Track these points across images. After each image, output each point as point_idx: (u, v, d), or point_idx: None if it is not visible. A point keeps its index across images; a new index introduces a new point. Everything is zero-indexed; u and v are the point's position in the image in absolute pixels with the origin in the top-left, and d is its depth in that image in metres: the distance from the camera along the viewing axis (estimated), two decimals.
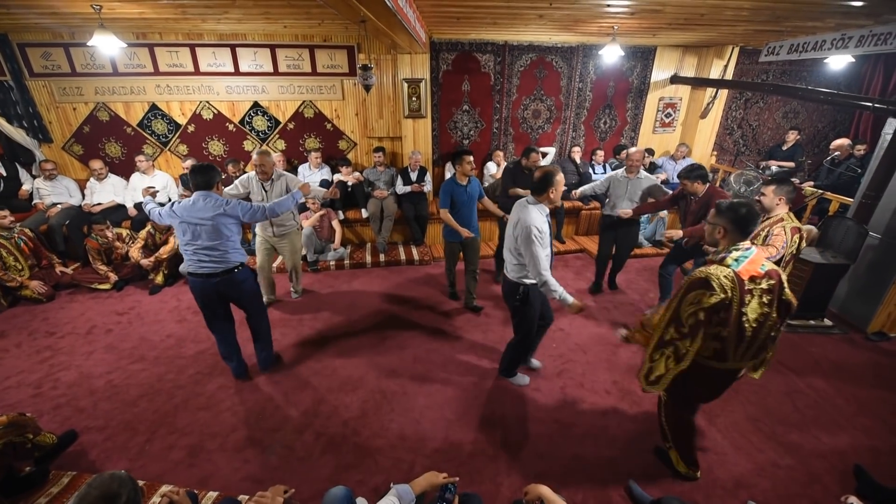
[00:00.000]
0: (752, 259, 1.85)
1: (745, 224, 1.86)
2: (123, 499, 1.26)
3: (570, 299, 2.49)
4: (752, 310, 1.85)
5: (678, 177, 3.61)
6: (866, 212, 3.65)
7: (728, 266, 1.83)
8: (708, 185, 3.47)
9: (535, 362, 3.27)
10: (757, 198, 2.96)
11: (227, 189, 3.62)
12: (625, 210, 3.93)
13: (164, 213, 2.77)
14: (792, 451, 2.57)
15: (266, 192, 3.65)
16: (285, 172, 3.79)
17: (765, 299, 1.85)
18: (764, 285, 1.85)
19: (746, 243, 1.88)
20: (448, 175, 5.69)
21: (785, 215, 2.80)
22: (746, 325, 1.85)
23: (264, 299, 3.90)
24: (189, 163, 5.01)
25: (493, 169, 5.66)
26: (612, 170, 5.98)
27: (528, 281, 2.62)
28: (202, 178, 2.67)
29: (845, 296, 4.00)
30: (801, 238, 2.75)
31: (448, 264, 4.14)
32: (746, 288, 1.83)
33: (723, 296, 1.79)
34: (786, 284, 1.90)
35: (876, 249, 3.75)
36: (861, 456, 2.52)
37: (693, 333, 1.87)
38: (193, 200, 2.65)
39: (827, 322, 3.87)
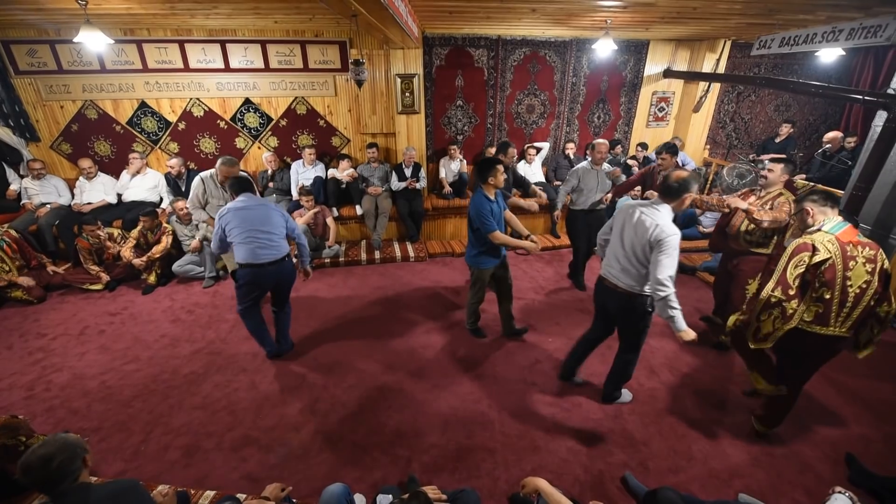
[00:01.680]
0: (847, 230, 2.09)
1: (830, 199, 2.18)
2: (56, 462, 1.35)
3: (683, 325, 2.20)
4: (857, 275, 2.04)
5: (655, 153, 3.85)
6: (857, 203, 3.68)
7: (828, 232, 2.07)
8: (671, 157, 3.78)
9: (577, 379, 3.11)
10: (763, 173, 3.08)
11: (189, 202, 3.76)
12: (607, 196, 4.10)
13: (220, 222, 2.95)
14: (785, 441, 2.60)
15: (227, 193, 3.56)
16: (245, 174, 3.72)
17: (867, 267, 2.04)
18: (866, 253, 2.05)
19: (838, 217, 2.14)
20: (442, 172, 5.68)
21: (783, 191, 3.01)
22: (850, 290, 2.04)
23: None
24: (174, 161, 4.94)
25: None
26: (607, 164, 6.01)
27: (648, 291, 2.35)
28: (246, 183, 3.09)
29: None
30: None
31: (478, 297, 3.44)
32: (849, 254, 2.04)
33: (826, 255, 2.02)
34: (884, 256, 2.09)
35: None
36: (852, 444, 2.56)
37: (799, 294, 2.08)
38: (243, 199, 2.99)
39: None
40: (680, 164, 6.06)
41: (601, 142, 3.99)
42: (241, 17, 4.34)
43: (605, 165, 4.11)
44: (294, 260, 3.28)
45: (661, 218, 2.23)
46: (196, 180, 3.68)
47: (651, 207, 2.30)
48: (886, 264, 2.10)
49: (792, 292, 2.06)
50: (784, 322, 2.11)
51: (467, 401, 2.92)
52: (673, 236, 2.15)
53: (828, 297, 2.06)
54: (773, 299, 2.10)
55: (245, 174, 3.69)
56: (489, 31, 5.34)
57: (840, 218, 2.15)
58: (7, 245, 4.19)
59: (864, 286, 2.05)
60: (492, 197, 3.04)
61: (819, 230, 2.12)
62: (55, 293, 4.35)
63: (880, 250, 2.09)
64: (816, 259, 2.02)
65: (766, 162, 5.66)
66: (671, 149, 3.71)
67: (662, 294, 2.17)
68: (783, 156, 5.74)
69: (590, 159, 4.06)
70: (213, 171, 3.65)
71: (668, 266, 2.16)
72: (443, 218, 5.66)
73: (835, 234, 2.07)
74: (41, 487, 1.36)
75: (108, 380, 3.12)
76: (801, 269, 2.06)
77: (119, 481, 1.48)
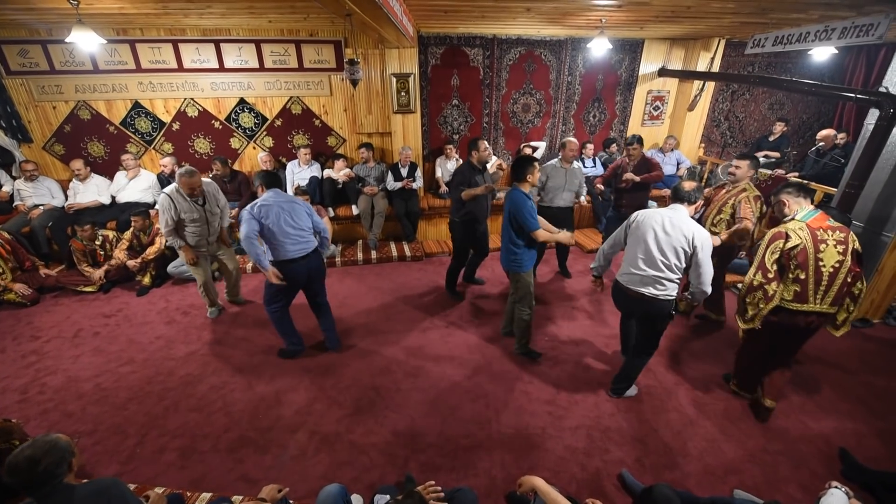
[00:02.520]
0: (817, 216, 2.37)
1: (804, 190, 2.45)
2: (42, 465, 1.36)
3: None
4: (829, 256, 2.31)
5: (626, 144, 4.06)
6: (850, 201, 3.71)
7: (800, 220, 2.36)
8: (639, 147, 4.24)
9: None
10: (730, 170, 3.34)
11: (162, 226, 3.40)
12: (582, 199, 4.29)
13: (255, 215, 2.90)
14: (780, 437, 2.62)
15: (201, 207, 3.47)
16: (208, 180, 3.58)
17: (839, 248, 2.31)
18: (836, 236, 2.32)
19: (810, 206, 2.43)
20: (439, 172, 5.67)
21: (746, 185, 3.25)
22: (824, 269, 2.31)
23: (213, 311, 3.95)
24: (167, 160, 4.90)
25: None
26: (602, 163, 6.03)
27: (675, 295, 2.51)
28: (276, 178, 3.11)
29: None
30: (762, 202, 3.21)
31: (529, 306, 3.14)
32: (819, 237, 2.31)
33: (798, 241, 2.29)
34: (854, 238, 2.37)
35: (859, 238, 3.77)
36: (846, 439, 2.59)
37: (778, 277, 2.36)
38: (273, 194, 2.98)
39: None
40: (676, 162, 6.11)
41: (571, 140, 3.98)
42: (234, 17, 4.32)
43: (576, 164, 4.14)
44: None
45: (692, 222, 2.42)
46: (162, 200, 3.32)
47: (677, 213, 2.45)
48: (856, 245, 2.35)
49: (770, 275, 2.36)
50: (767, 302, 2.38)
51: (464, 400, 2.92)
52: (710, 237, 2.40)
53: (803, 277, 2.34)
54: (755, 283, 2.41)
55: (208, 180, 3.61)
56: (484, 31, 5.34)
57: (811, 207, 2.44)
58: (1, 247, 4.15)
59: (837, 265, 2.31)
60: (529, 194, 2.96)
61: (793, 219, 2.40)
62: (48, 295, 4.32)
63: (850, 233, 2.35)
64: (789, 245, 2.31)
65: (761, 159, 5.71)
66: (639, 140, 4.24)
67: (708, 291, 2.46)
68: (776, 153, 5.81)
69: (560, 157, 4.06)
70: (174, 185, 3.37)
71: (709, 265, 2.39)
72: (439, 217, 5.66)
73: (805, 221, 2.35)
74: (26, 489, 1.36)
75: (103, 382, 3.10)
76: (776, 255, 2.35)
77: (100, 480, 1.48)
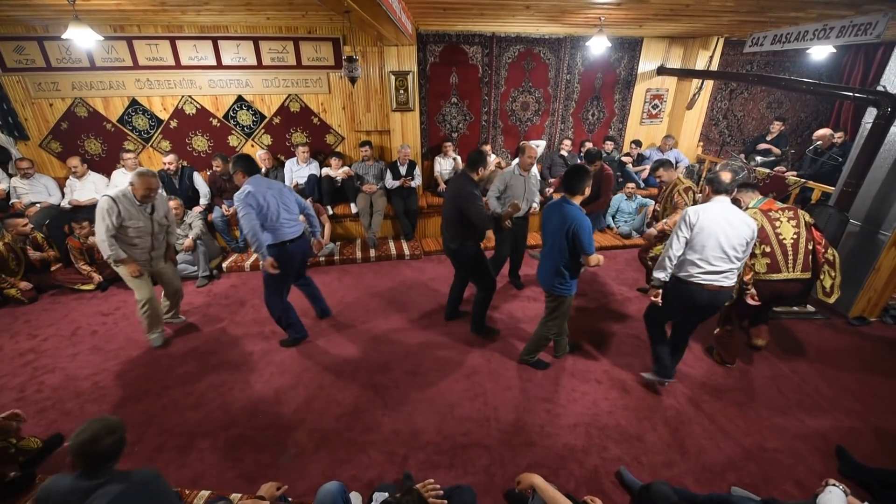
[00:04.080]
0: (766, 202, 3.04)
1: (750, 185, 3.16)
2: (119, 434, 1.48)
3: None
4: (786, 230, 2.92)
5: (584, 157, 4.01)
6: (847, 200, 3.72)
7: (752, 207, 3.01)
8: (600, 163, 4.36)
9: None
10: (658, 178, 3.74)
11: (98, 237, 2.99)
12: (534, 207, 4.04)
13: (252, 204, 2.89)
14: (777, 434, 2.63)
15: (149, 216, 3.11)
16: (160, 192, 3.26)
17: (792, 223, 2.92)
18: (787, 214, 2.95)
19: (758, 196, 3.08)
20: (437, 170, 5.66)
21: (676, 180, 3.61)
22: (786, 242, 2.90)
23: (157, 338, 3.44)
24: (171, 158, 4.88)
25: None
26: (536, 170, 6.00)
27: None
28: (254, 164, 3.10)
29: None
30: (693, 192, 3.54)
31: (561, 329, 3.10)
32: (773, 217, 2.94)
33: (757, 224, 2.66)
34: (804, 213, 3.00)
35: (856, 236, 3.84)
36: (843, 437, 2.60)
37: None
38: (259, 179, 2.99)
39: (810, 308, 3.97)
40: (674, 161, 6.12)
41: (530, 145, 3.71)
42: (232, 14, 4.30)
43: (534, 171, 3.99)
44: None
45: (744, 213, 2.58)
46: (103, 203, 2.90)
47: (730, 207, 2.54)
48: (807, 218, 2.96)
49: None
50: (744, 275, 2.88)
51: (463, 398, 2.93)
52: None
53: (769, 250, 2.90)
54: None
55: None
56: (483, 28, 5.33)
57: (759, 196, 3.09)
58: (29, 245, 4.25)
59: (796, 236, 2.90)
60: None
61: (748, 208, 2.98)
62: (46, 294, 4.30)
63: (798, 210, 3.00)
64: None
65: (758, 159, 5.73)
66: (600, 156, 4.36)
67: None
68: (776, 149, 5.82)
69: (517, 163, 3.77)
70: (123, 189, 3.01)
71: None
72: (438, 216, 5.65)
73: (757, 207, 3.00)
74: (94, 460, 1.41)
75: (101, 380, 3.09)
76: None
77: (145, 471, 1.53)
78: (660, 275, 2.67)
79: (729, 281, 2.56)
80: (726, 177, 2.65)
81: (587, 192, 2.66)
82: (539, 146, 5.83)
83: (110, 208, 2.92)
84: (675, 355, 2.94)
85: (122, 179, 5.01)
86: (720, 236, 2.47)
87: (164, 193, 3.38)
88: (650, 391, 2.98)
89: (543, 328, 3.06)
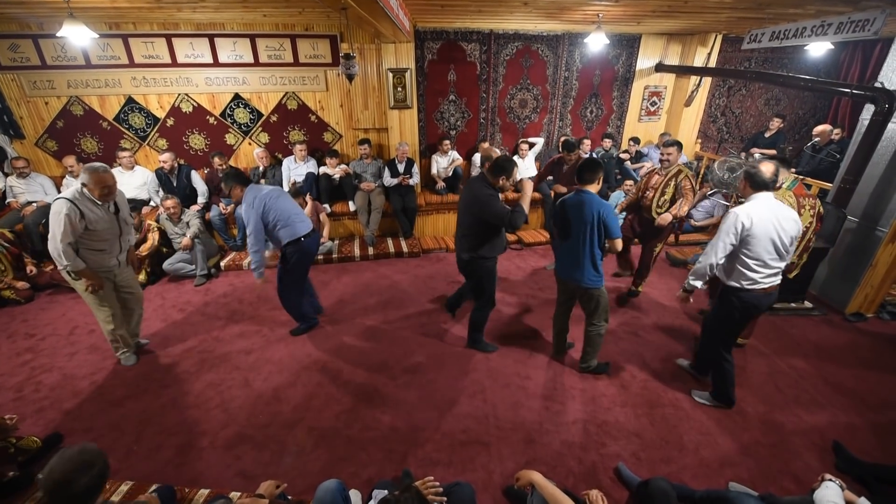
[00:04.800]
0: (798, 185, 3.08)
1: (786, 162, 3.11)
2: (98, 468, 1.29)
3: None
4: (806, 218, 2.99)
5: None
6: (845, 196, 3.73)
7: (788, 188, 3.04)
8: (578, 152, 4.40)
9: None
10: (664, 157, 3.67)
11: (55, 246, 2.62)
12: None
13: (260, 210, 3.07)
14: (774, 430, 2.64)
15: (114, 215, 2.83)
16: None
17: (811, 213, 3.00)
18: (810, 202, 3.02)
19: (792, 175, 3.14)
20: (435, 168, 5.64)
21: (680, 167, 3.62)
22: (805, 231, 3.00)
23: (129, 357, 3.22)
24: (166, 156, 4.83)
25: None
26: (599, 158, 6.02)
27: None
28: (246, 176, 3.23)
29: (825, 278, 4.10)
30: (696, 179, 3.78)
31: (607, 314, 2.94)
32: (801, 203, 2.97)
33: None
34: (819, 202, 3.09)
35: (854, 233, 3.85)
36: (839, 432, 2.61)
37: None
38: (258, 187, 3.15)
39: (807, 304, 3.98)
40: (641, 153, 6.07)
41: (495, 150, 3.63)
42: (228, 11, 4.27)
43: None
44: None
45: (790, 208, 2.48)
46: (60, 206, 2.55)
47: (776, 204, 2.41)
48: (821, 209, 3.07)
49: None
50: None
51: (462, 395, 2.93)
52: None
53: None
54: None
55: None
56: (481, 25, 5.31)
57: (794, 176, 3.17)
58: (6, 250, 4.16)
59: (809, 226, 3.01)
60: None
61: (782, 187, 3.02)
62: (43, 293, 4.29)
63: (816, 198, 3.09)
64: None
65: (757, 156, 5.74)
66: (579, 145, 4.35)
67: None
68: (772, 151, 5.83)
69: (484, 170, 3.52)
70: (76, 189, 2.65)
71: None
72: (436, 213, 5.65)
73: (792, 189, 3.05)
74: (68, 502, 1.25)
75: (99, 380, 3.09)
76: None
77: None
78: (697, 283, 2.57)
79: (779, 276, 2.52)
80: (768, 170, 2.46)
81: (600, 182, 2.70)
82: (536, 144, 5.82)
83: (70, 211, 2.56)
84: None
85: (119, 178, 4.97)
86: (774, 237, 2.35)
87: (121, 190, 2.97)
88: (648, 388, 2.99)
89: (594, 327, 2.93)
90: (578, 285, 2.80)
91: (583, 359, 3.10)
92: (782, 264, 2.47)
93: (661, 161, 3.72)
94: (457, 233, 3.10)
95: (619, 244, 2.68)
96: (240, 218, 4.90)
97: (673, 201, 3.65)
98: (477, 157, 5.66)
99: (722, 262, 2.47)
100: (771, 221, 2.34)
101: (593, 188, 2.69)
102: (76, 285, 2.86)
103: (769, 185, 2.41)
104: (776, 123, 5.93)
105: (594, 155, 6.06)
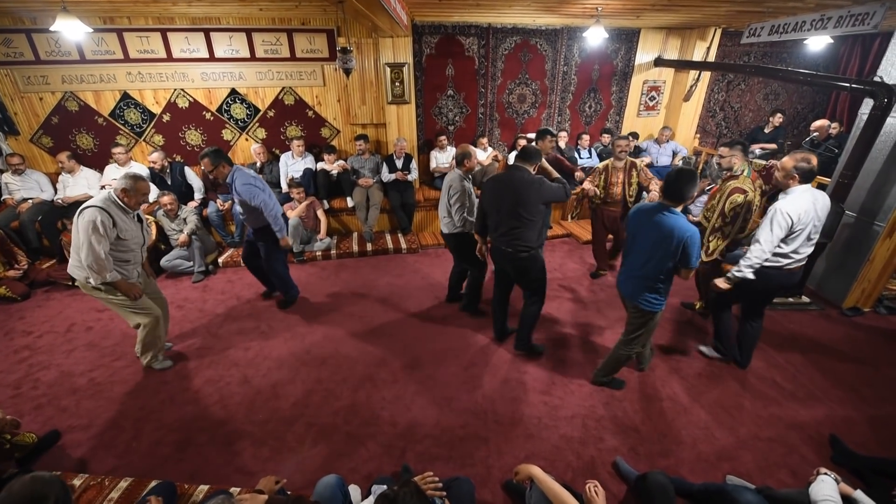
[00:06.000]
0: (754, 172, 3.35)
1: (742, 144, 3.37)
2: (52, 500, 1.19)
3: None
4: (756, 197, 3.10)
5: (536, 137, 3.90)
6: (843, 191, 3.73)
7: (747, 176, 3.16)
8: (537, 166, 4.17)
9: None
10: (720, 161, 3.74)
11: (96, 252, 2.50)
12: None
13: (261, 185, 3.36)
14: (772, 424, 2.66)
15: (139, 224, 2.76)
16: None
17: (758, 193, 3.16)
18: (759, 182, 3.27)
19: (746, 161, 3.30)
20: (433, 164, 5.63)
21: (631, 160, 3.98)
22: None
23: (165, 361, 3.15)
24: (156, 156, 4.79)
25: (482, 156, 5.61)
26: (597, 153, 6.01)
27: None
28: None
29: (822, 273, 4.11)
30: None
31: (646, 340, 2.76)
32: (756, 186, 3.13)
33: (751, 194, 2.99)
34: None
35: (852, 228, 3.85)
36: (836, 426, 2.63)
37: (733, 220, 3.09)
38: (241, 168, 3.32)
39: (805, 299, 3.99)
40: (672, 153, 6.11)
41: (470, 150, 3.33)
42: (224, 5, 4.23)
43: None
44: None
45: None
46: (93, 216, 2.44)
47: (819, 193, 2.58)
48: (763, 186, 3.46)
49: (728, 219, 3.12)
50: (724, 240, 3.20)
51: (461, 390, 2.94)
52: None
53: (748, 217, 3.14)
54: (716, 224, 3.19)
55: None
56: (479, 19, 5.27)
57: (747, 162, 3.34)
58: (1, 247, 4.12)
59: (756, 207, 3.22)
60: None
61: (741, 174, 3.22)
62: (40, 290, 4.27)
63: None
64: (747, 199, 3.03)
65: (757, 150, 5.73)
66: (552, 134, 3.91)
67: None
68: (772, 145, 5.83)
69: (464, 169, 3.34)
70: (108, 195, 2.56)
71: None
72: (435, 210, 5.64)
73: (749, 175, 3.21)
74: None
75: (97, 377, 3.08)
76: (732, 205, 3.07)
77: None
78: (749, 273, 2.57)
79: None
80: (813, 160, 2.45)
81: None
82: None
83: (104, 221, 2.47)
84: (747, 342, 3.05)
85: (115, 174, 4.95)
86: (811, 228, 2.52)
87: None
88: (646, 382, 3.00)
89: (625, 347, 2.70)
90: (633, 303, 2.56)
91: (600, 372, 2.92)
92: (810, 249, 2.63)
93: (619, 154, 3.95)
94: (498, 233, 2.82)
95: (691, 274, 2.40)
96: (237, 214, 4.88)
97: (639, 191, 4.01)
98: (478, 153, 5.65)
99: (771, 255, 2.57)
100: (812, 212, 2.48)
101: (680, 207, 2.32)
102: (111, 299, 2.73)
103: (815, 175, 2.51)
104: (777, 119, 5.92)
105: (592, 151, 6.05)
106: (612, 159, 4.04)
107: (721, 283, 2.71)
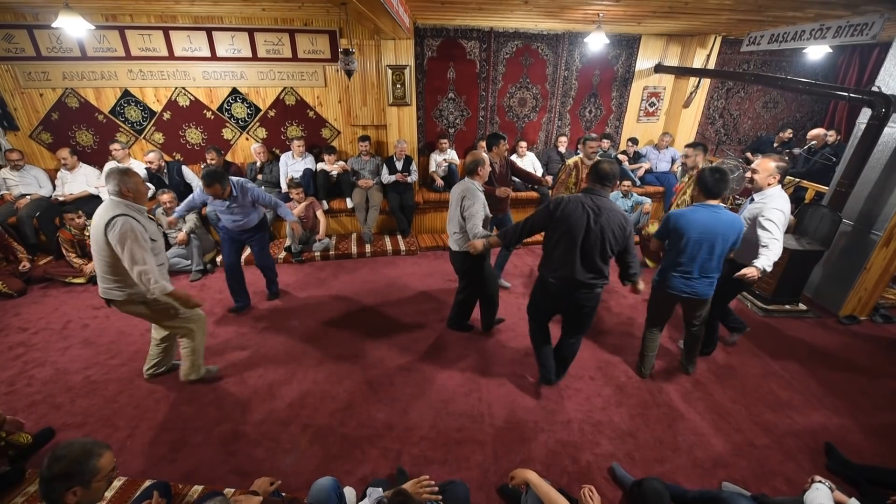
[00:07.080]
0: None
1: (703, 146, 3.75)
2: (97, 459, 1.37)
3: None
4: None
5: (488, 140, 3.90)
6: (840, 199, 3.75)
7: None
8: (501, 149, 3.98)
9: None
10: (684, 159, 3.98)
11: (149, 262, 2.35)
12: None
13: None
14: (767, 431, 2.66)
15: (159, 226, 2.70)
16: None
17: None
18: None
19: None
20: (433, 166, 5.64)
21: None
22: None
23: (211, 368, 3.04)
24: (152, 156, 4.77)
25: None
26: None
27: None
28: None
29: (819, 281, 4.13)
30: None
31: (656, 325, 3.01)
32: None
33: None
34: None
35: (849, 236, 3.87)
36: (832, 434, 2.64)
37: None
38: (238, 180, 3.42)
39: (801, 307, 4.01)
40: (671, 159, 6.13)
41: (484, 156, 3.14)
42: (227, 4, 4.24)
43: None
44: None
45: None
46: (127, 225, 2.25)
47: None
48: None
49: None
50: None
51: (457, 394, 2.93)
52: None
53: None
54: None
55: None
56: (481, 23, 5.29)
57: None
58: None
59: None
60: None
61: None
62: (36, 286, 4.25)
63: None
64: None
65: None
66: (504, 138, 3.95)
67: None
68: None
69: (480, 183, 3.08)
70: (116, 201, 2.34)
71: None
72: (434, 211, 5.64)
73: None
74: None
75: (93, 374, 3.07)
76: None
77: None
78: (770, 267, 2.61)
79: None
80: (783, 161, 2.74)
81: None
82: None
83: (138, 228, 2.29)
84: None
85: None
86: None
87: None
88: (642, 389, 3.00)
89: (698, 328, 2.98)
90: (700, 298, 2.77)
91: (691, 360, 3.15)
92: None
93: (590, 154, 3.95)
94: (570, 264, 2.49)
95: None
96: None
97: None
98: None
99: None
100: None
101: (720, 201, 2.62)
102: (147, 312, 2.58)
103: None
104: (787, 134, 5.97)
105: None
106: (581, 156, 4.03)
107: (751, 272, 2.50)
